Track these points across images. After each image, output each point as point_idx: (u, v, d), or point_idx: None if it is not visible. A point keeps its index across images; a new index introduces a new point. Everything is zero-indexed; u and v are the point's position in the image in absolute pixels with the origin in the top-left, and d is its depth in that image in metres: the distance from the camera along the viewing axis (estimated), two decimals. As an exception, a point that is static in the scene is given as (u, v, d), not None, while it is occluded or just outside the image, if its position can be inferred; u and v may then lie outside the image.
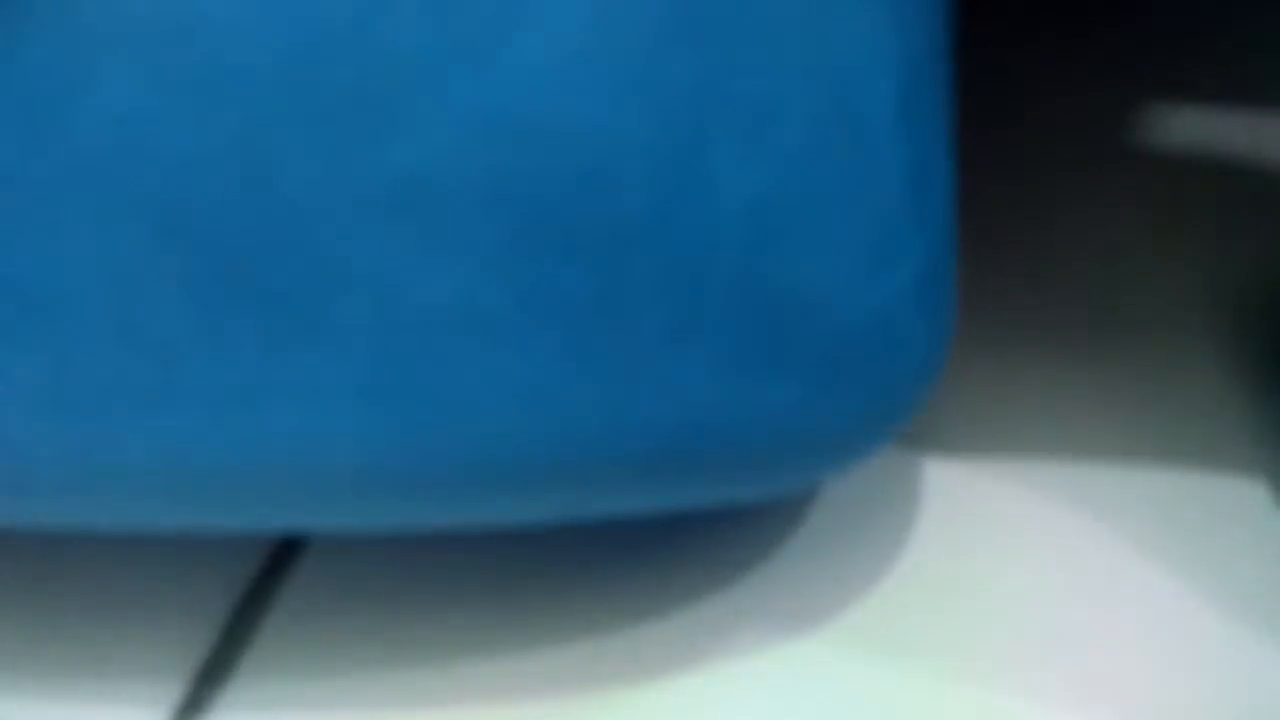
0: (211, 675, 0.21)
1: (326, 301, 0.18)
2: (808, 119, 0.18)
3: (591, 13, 0.18)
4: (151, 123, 0.17)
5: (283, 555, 0.23)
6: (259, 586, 0.22)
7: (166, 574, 0.22)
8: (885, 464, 0.24)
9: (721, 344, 0.18)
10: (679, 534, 0.23)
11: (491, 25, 0.18)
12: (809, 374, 0.19)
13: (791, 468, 0.20)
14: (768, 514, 0.23)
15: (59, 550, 0.22)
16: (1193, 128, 0.29)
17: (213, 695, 0.21)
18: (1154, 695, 0.21)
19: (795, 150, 0.18)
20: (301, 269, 0.18)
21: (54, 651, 0.21)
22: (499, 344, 0.18)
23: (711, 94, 0.18)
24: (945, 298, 0.20)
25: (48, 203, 0.18)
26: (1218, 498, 0.23)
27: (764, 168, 0.18)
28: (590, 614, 0.22)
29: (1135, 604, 0.22)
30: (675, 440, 0.19)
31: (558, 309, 0.18)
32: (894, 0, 0.19)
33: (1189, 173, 0.28)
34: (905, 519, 0.23)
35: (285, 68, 0.18)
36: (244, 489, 0.19)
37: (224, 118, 0.17)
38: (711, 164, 0.18)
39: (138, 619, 0.22)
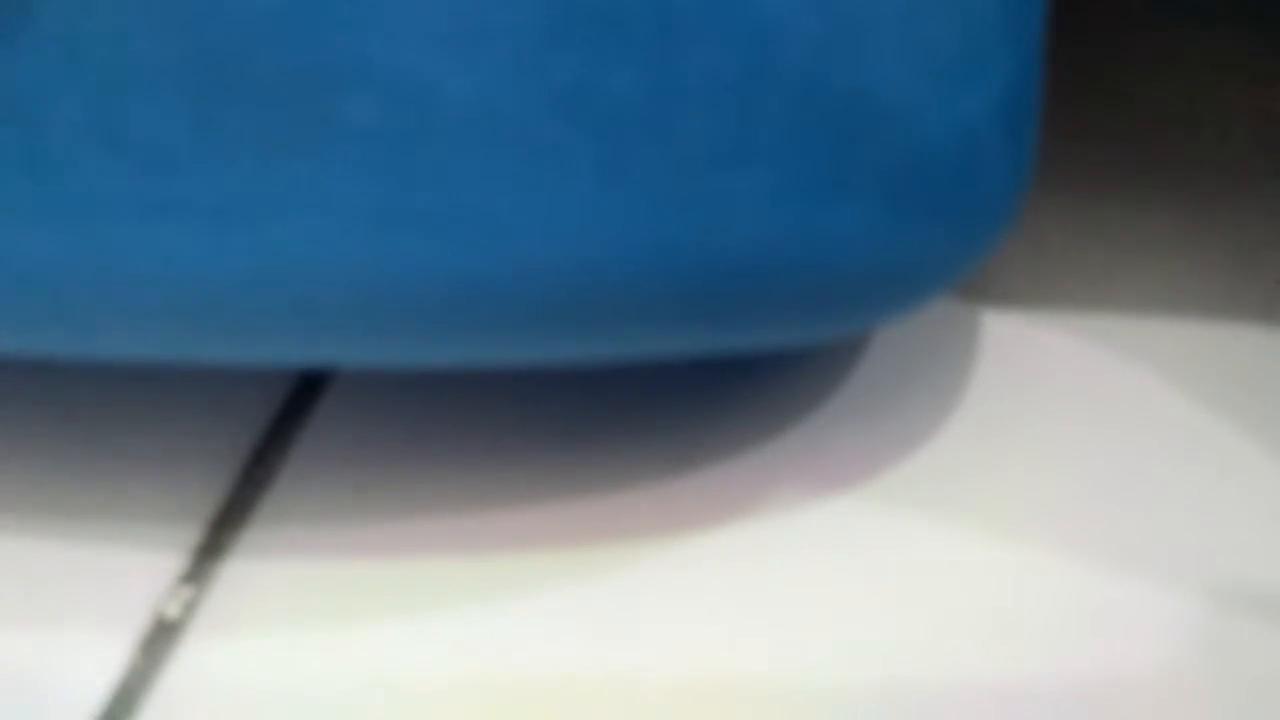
0: (230, 519, 0.21)
1: (332, 101, 0.17)
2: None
3: None
4: None
5: (302, 396, 0.22)
6: (278, 428, 0.22)
7: (185, 418, 0.22)
8: (938, 314, 0.23)
9: (781, 160, 0.17)
10: (720, 383, 0.23)
11: None
12: (879, 198, 0.18)
13: (849, 310, 0.19)
14: (811, 365, 0.23)
15: (78, 395, 0.22)
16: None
17: (231, 539, 0.21)
18: (1217, 556, 0.21)
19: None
20: (305, 62, 0.17)
21: (74, 496, 0.21)
22: (527, 154, 0.17)
23: None
24: (1030, 121, 0.19)
25: None
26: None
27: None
28: (624, 463, 0.22)
29: (1200, 466, 0.22)
30: (725, 270, 0.18)
31: (596, 114, 0.17)
32: None
33: (1276, 18, 0.28)
34: (958, 374, 0.23)
35: None
36: (249, 312, 0.18)
37: None
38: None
39: (157, 464, 0.22)
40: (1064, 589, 0.20)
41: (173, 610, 0.20)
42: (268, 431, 0.22)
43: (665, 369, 0.22)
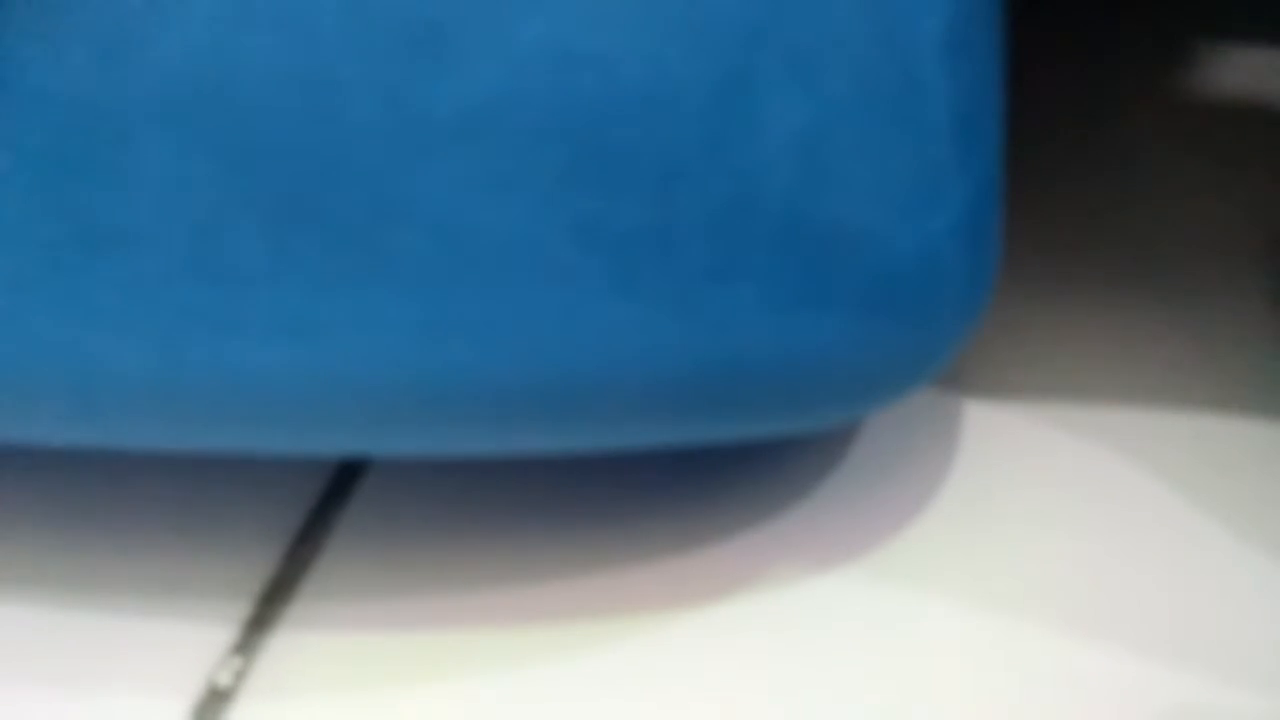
0: (277, 594, 0.22)
1: (388, 235, 0.18)
2: (854, 57, 0.18)
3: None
4: (226, 58, 0.17)
5: (343, 482, 0.23)
6: (321, 511, 0.23)
7: (235, 502, 0.23)
8: (925, 404, 0.24)
9: (767, 278, 0.18)
10: (719, 467, 0.23)
11: None
12: (852, 310, 0.19)
13: (833, 403, 0.20)
14: (807, 450, 0.23)
15: (133, 477, 0.23)
16: (1239, 69, 0.28)
17: (278, 613, 0.21)
18: (1194, 638, 0.21)
19: (842, 87, 0.18)
20: (365, 203, 0.18)
21: (133, 573, 0.22)
22: (551, 278, 0.18)
23: (760, 30, 0.18)
24: (990, 238, 0.20)
25: (124, 136, 0.18)
26: (1260, 442, 0.23)
27: (810, 104, 0.18)
28: (631, 542, 0.22)
29: (1173, 548, 0.22)
30: (720, 373, 0.19)
31: (608, 242, 0.18)
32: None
33: (1236, 116, 0.28)
34: (943, 459, 0.23)
35: (352, 3, 0.18)
36: (306, 414, 0.19)
37: (293, 53, 0.17)
38: (759, 99, 0.18)
39: (208, 542, 0.22)
40: (1047, 664, 0.20)
41: (224, 679, 0.20)
42: (311, 513, 0.22)
43: (672, 457, 0.23)
